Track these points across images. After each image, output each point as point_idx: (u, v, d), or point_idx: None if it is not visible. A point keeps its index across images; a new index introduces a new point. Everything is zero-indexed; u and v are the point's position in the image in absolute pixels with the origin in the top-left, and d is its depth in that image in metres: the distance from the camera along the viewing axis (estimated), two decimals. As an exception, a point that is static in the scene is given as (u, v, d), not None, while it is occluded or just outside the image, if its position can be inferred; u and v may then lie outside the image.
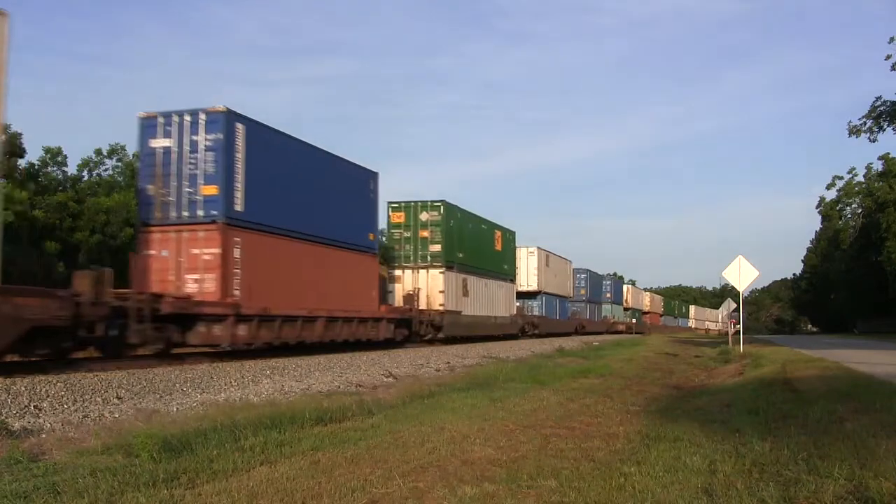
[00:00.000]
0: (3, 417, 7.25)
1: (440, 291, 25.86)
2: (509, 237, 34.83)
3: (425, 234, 26.22)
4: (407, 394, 10.56)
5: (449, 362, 17.17)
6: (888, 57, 37.99)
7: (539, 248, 41.48)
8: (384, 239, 26.66)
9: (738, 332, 29.74)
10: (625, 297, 69.98)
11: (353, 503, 4.63)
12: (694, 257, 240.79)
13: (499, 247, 32.72)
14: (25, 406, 8.12)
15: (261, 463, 5.71)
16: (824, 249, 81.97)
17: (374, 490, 4.88)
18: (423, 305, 25.32)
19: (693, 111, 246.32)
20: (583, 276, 54.19)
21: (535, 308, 40.76)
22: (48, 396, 8.76)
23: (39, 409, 8.02)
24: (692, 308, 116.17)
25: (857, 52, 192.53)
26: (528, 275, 40.18)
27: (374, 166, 21.58)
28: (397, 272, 26.00)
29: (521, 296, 38.89)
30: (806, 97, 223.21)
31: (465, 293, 28.03)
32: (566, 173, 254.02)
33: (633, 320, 68.45)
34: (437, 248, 26.16)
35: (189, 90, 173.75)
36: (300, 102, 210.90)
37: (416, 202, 26.44)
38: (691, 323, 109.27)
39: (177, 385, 10.51)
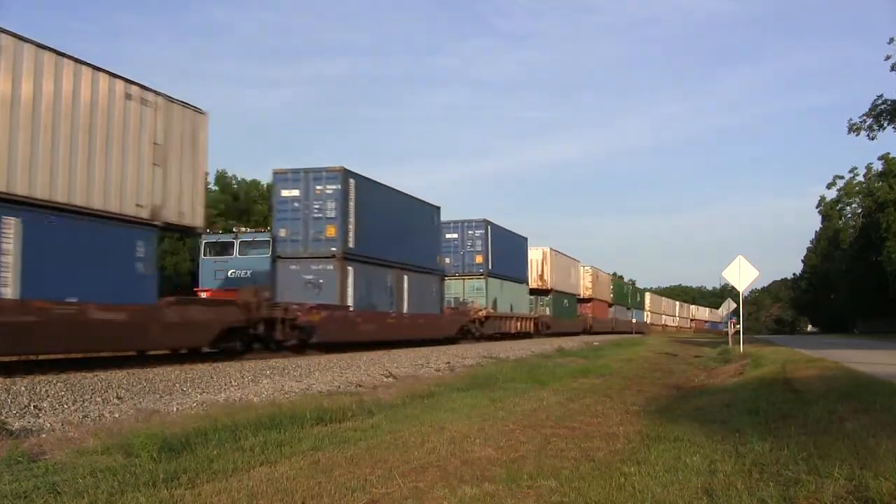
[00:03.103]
0: (3, 417, 7.24)
1: None
2: None
3: None
4: (407, 394, 10.56)
5: (449, 362, 17.18)
6: (888, 57, 38.11)
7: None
8: None
9: (738, 332, 29.75)
10: (534, 270, 40.03)
11: (353, 503, 4.63)
12: (694, 257, 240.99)
13: None
14: (25, 406, 8.11)
15: (261, 463, 5.70)
16: (824, 249, 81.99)
17: (374, 490, 4.88)
18: None
19: (692, 111, 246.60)
20: (330, 189, 20.29)
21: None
22: (48, 396, 8.76)
23: (39, 409, 8.01)
24: (647, 297, 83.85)
25: (857, 52, 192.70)
26: None
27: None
28: None
29: None
30: (806, 97, 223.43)
31: None
32: (566, 173, 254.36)
33: (547, 310, 41.21)
34: None
35: (189, 90, 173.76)
36: (300, 102, 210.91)
37: None
38: (646, 317, 78.63)
39: (177, 385, 10.51)
